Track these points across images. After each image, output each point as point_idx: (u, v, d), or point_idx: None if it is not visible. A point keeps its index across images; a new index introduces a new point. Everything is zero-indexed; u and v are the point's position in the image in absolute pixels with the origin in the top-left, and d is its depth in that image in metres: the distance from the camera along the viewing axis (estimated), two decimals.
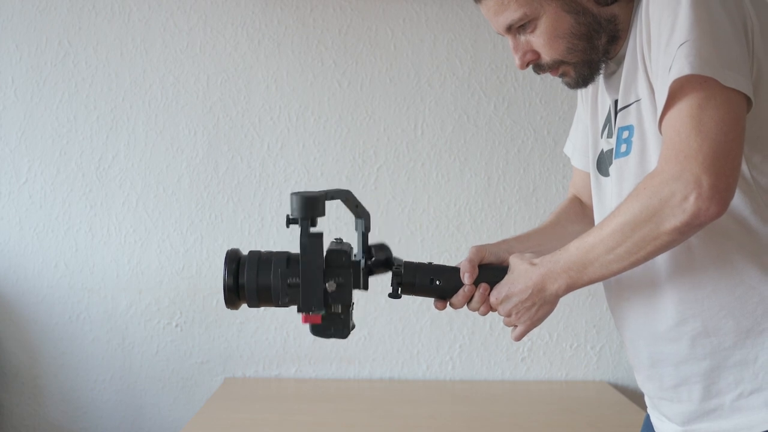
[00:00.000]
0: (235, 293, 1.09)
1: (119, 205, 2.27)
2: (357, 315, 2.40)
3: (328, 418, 1.97)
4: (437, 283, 1.16)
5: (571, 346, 2.29)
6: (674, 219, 1.03)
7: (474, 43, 2.27)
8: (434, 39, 2.25)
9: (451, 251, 2.25)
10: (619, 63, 1.19)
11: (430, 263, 1.18)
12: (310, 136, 2.26)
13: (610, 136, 1.23)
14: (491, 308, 1.17)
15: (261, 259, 1.10)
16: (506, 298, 1.16)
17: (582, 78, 1.19)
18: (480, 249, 1.21)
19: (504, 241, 1.28)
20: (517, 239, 1.32)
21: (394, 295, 1.16)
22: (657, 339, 1.16)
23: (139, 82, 2.26)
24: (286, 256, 1.11)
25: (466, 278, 1.16)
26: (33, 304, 2.28)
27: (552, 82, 2.25)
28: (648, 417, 1.29)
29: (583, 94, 1.40)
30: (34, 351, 2.30)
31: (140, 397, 2.30)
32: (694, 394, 1.14)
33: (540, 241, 1.35)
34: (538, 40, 1.15)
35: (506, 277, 1.17)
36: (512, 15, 1.13)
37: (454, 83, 2.25)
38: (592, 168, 1.30)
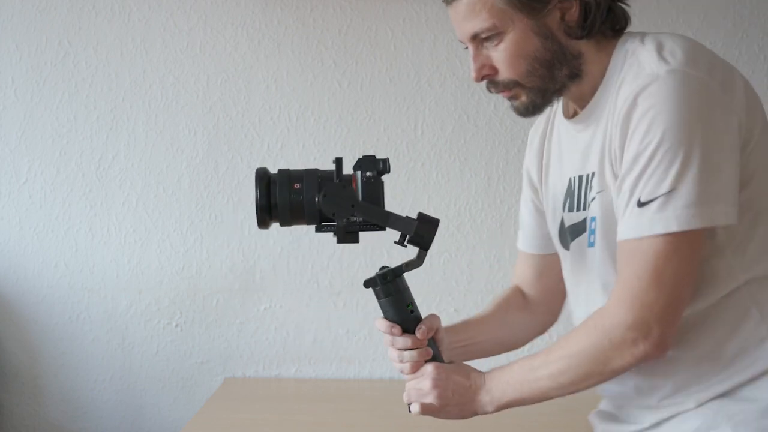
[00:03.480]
0: (267, 212, 1.11)
1: (119, 205, 2.27)
2: (357, 315, 2.42)
3: (328, 418, 1.97)
4: (410, 309, 1.17)
5: None
6: (621, 361, 1.09)
7: None
8: (434, 39, 2.25)
9: (451, 251, 2.25)
10: (585, 126, 1.17)
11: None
12: (310, 136, 2.26)
13: (572, 209, 1.22)
14: (414, 372, 1.18)
15: (291, 177, 1.12)
16: (444, 376, 1.16)
17: (532, 105, 1.14)
18: (437, 321, 1.21)
19: (447, 329, 1.27)
20: (453, 330, 1.29)
21: (380, 279, 1.16)
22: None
23: (139, 82, 2.26)
24: (317, 174, 1.12)
25: (420, 333, 1.16)
26: (33, 304, 2.28)
27: None
28: None
29: (533, 171, 1.35)
30: (34, 351, 2.30)
31: (140, 397, 2.30)
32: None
33: (476, 332, 1.34)
34: (499, 55, 1.11)
35: (451, 365, 1.19)
36: (481, 24, 1.09)
37: (454, 83, 2.25)
38: (556, 242, 1.29)
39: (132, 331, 2.29)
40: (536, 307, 1.40)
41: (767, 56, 2.25)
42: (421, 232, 1.13)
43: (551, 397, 1.17)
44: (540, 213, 1.35)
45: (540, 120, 1.33)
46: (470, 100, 2.24)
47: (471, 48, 1.13)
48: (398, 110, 2.26)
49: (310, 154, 2.25)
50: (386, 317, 1.16)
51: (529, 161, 1.36)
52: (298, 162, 2.24)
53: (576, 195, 1.20)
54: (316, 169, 1.12)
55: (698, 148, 1.02)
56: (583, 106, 1.17)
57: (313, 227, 1.14)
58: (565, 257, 1.27)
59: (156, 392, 2.30)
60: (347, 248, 2.23)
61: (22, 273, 2.28)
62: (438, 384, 1.15)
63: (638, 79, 1.05)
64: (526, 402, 1.18)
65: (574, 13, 1.11)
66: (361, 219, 1.10)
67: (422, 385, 1.16)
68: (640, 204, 1.04)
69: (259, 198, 1.10)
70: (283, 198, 1.10)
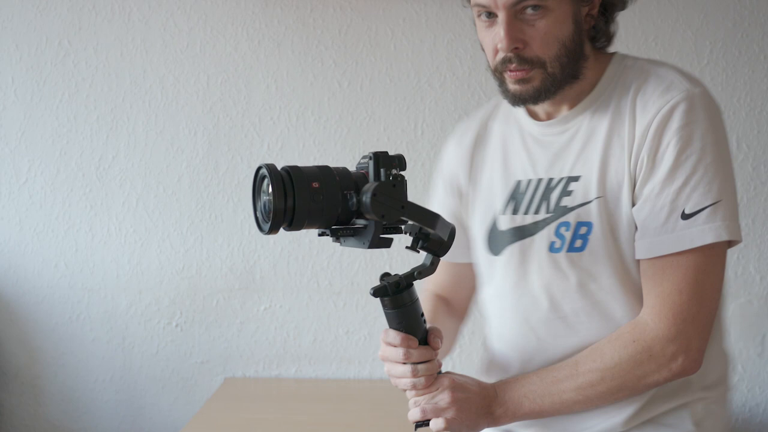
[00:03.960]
0: (286, 216, 0.95)
1: (119, 205, 2.27)
2: (357, 315, 2.42)
3: (328, 418, 1.97)
4: (423, 319, 1.07)
5: None
6: (659, 375, 1.09)
7: (474, 43, 2.27)
8: (434, 39, 2.25)
9: None
10: (563, 130, 1.17)
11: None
12: (310, 136, 2.26)
13: (517, 212, 1.20)
14: (428, 386, 1.08)
15: (308, 175, 0.98)
16: (461, 388, 1.09)
17: (542, 91, 1.13)
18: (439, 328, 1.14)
19: None
20: None
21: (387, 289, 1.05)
22: None
23: (139, 82, 2.26)
24: (333, 171, 1.01)
25: (435, 343, 1.07)
26: (33, 304, 2.28)
27: None
28: None
29: (461, 176, 1.32)
30: (34, 351, 2.30)
31: (140, 397, 2.30)
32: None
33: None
34: (537, 31, 1.09)
35: (461, 376, 1.12)
36: None
37: (454, 83, 2.25)
38: (480, 247, 1.26)
39: (132, 331, 2.29)
40: (458, 313, 1.39)
41: (767, 56, 2.25)
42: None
43: (573, 411, 1.13)
44: (457, 220, 1.29)
45: (467, 126, 1.32)
46: (470, 100, 2.24)
47: (504, 16, 1.08)
48: (398, 110, 2.26)
49: (310, 154, 2.25)
50: (397, 328, 1.05)
51: (456, 166, 1.31)
52: (298, 162, 2.24)
53: (532, 197, 1.19)
54: (328, 166, 1.01)
55: (729, 164, 1.10)
56: (571, 106, 1.18)
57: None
58: (492, 263, 1.23)
59: (156, 392, 2.30)
60: (347, 248, 2.23)
61: (22, 273, 2.28)
62: (457, 397, 1.07)
63: (670, 92, 1.10)
64: (544, 415, 1.13)
65: (595, 12, 1.14)
66: (387, 222, 0.98)
67: (440, 399, 1.07)
68: (685, 216, 1.06)
69: (277, 200, 0.93)
70: (302, 199, 0.94)
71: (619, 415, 1.13)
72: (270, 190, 0.95)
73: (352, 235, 1.00)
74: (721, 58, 2.25)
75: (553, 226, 1.16)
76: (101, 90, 2.26)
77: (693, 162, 1.07)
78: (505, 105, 1.24)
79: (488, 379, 1.20)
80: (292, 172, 0.96)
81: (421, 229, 0.98)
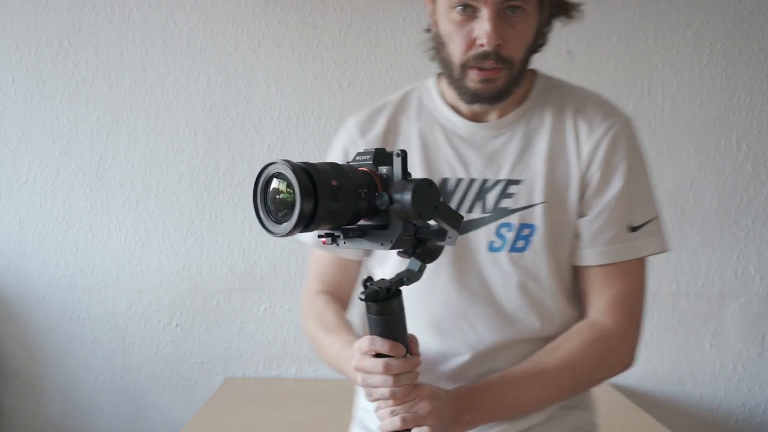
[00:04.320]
0: (311, 219, 0.87)
1: (119, 205, 2.27)
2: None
3: (328, 418, 1.97)
4: (402, 328, 1.01)
5: None
6: (613, 371, 1.20)
7: None
8: None
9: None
10: (499, 133, 1.21)
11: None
12: (310, 136, 2.26)
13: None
14: (406, 396, 1.03)
15: (325, 172, 0.89)
16: (437, 397, 1.06)
17: (503, 91, 1.17)
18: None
19: None
20: None
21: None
22: None
23: (139, 82, 2.26)
24: (345, 168, 0.92)
25: (416, 350, 1.03)
26: (33, 304, 2.28)
27: None
28: None
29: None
30: (34, 351, 2.29)
31: (140, 397, 2.30)
32: None
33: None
34: (514, 32, 1.13)
35: (433, 385, 1.08)
36: None
37: None
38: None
39: (132, 331, 2.29)
40: (346, 310, 1.37)
41: (767, 56, 2.25)
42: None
43: (538, 410, 1.18)
44: None
45: (370, 119, 1.29)
46: None
47: (491, 12, 1.10)
48: None
49: (311, 154, 2.25)
50: (383, 336, 1.00)
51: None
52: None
53: (464, 196, 1.20)
54: (336, 163, 0.93)
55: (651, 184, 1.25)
56: (502, 114, 1.22)
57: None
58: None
59: (156, 392, 2.30)
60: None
61: (22, 273, 2.28)
62: (435, 405, 1.05)
63: (611, 117, 1.22)
64: (511, 416, 1.17)
65: (550, 27, 1.22)
66: (418, 222, 0.94)
67: (419, 408, 1.04)
68: (633, 228, 1.18)
69: (304, 201, 0.84)
70: (324, 199, 0.86)
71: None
72: (286, 188, 0.87)
73: (361, 236, 0.94)
74: (721, 58, 2.25)
75: (492, 226, 1.19)
76: (101, 90, 2.26)
77: (638, 181, 1.20)
78: (415, 100, 1.27)
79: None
80: (310, 169, 0.87)
81: (416, 233, 0.95)
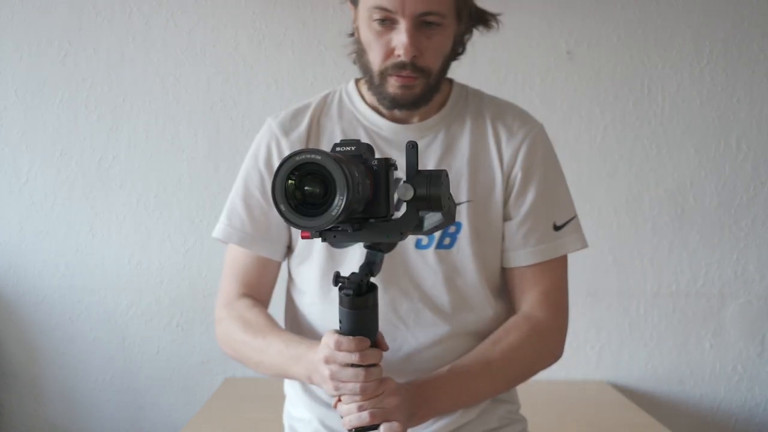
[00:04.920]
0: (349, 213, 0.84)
1: (120, 205, 2.27)
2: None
3: None
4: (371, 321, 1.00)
5: (571, 346, 2.28)
6: (547, 361, 1.27)
7: (473, 44, 2.27)
8: None
9: None
10: (421, 135, 1.25)
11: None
12: None
13: None
14: (375, 391, 1.02)
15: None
16: (402, 391, 1.07)
17: (420, 98, 1.21)
18: None
19: None
20: None
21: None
22: None
23: (139, 82, 2.26)
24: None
25: (384, 344, 1.04)
26: (33, 304, 2.28)
27: (552, 82, 2.25)
28: None
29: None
30: (34, 351, 2.30)
31: (140, 397, 2.30)
32: None
33: None
34: (431, 44, 1.17)
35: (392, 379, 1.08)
36: (438, 6, 1.15)
37: None
38: (306, 242, 1.26)
39: (132, 330, 2.29)
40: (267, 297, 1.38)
41: (767, 56, 2.25)
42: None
43: (482, 401, 1.24)
44: (275, 219, 1.28)
45: (293, 120, 1.31)
46: None
47: (408, 25, 1.15)
48: None
49: None
50: (353, 329, 0.99)
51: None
52: None
53: None
54: (339, 154, 0.90)
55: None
56: (422, 118, 1.27)
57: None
58: (343, 253, 1.24)
59: (156, 392, 2.30)
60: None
61: (22, 273, 2.28)
62: (401, 400, 1.05)
63: (528, 123, 1.29)
64: (459, 408, 1.21)
65: (469, 37, 1.29)
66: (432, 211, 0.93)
67: (387, 403, 1.04)
68: (557, 228, 1.25)
69: (351, 195, 0.81)
70: (353, 192, 0.82)
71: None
72: (321, 180, 0.82)
73: (359, 229, 0.90)
74: (721, 58, 2.25)
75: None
76: (101, 90, 2.26)
77: (557, 182, 1.28)
78: (336, 103, 1.31)
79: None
80: (337, 159, 0.83)
81: (420, 222, 0.94)
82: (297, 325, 1.33)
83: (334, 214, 0.81)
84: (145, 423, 2.31)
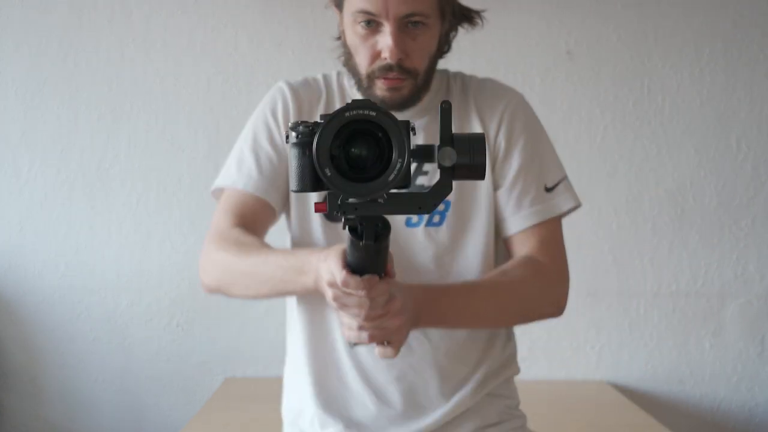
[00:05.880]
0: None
1: (120, 205, 2.27)
2: None
3: None
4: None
5: (571, 346, 2.29)
6: (549, 309, 1.26)
7: (473, 44, 2.27)
8: None
9: None
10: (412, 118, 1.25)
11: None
12: None
13: None
14: (377, 316, 1.00)
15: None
16: (406, 309, 1.04)
17: (408, 99, 1.22)
18: None
19: None
20: None
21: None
22: None
23: (139, 82, 2.26)
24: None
25: (394, 271, 1.01)
26: (33, 304, 2.28)
27: (552, 82, 2.25)
28: None
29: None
30: (34, 351, 2.30)
31: (140, 397, 2.30)
32: None
33: None
34: (416, 45, 1.18)
35: (400, 286, 1.05)
36: (422, 8, 1.16)
37: None
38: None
39: (132, 331, 2.29)
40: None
41: (767, 56, 2.26)
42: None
43: (484, 326, 1.25)
44: (279, 171, 1.29)
45: (317, 90, 1.33)
46: None
47: (393, 27, 1.15)
48: None
49: None
50: (361, 269, 0.93)
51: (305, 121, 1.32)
52: None
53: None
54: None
55: None
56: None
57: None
58: (334, 229, 1.25)
59: (156, 392, 2.30)
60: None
61: (22, 273, 2.28)
62: (404, 320, 1.03)
63: (508, 93, 1.30)
64: (458, 326, 1.22)
65: (455, 34, 1.29)
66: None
67: (390, 324, 1.02)
68: (548, 189, 1.26)
69: (407, 157, 0.74)
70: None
71: (463, 390, 1.25)
72: (376, 140, 0.75)
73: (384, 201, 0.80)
74: (721, 58, 2.25)
75: None
76: (102, 90, 2.26)
77: (542, 144, 1.29)
78: (336, 85, 1.33)
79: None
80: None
81: None
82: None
83: (391, 179, 0.73)
84: (145, 423, 2.31)
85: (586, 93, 2.26)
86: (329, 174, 0.73)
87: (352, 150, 0.74)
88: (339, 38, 1.29)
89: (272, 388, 2.26)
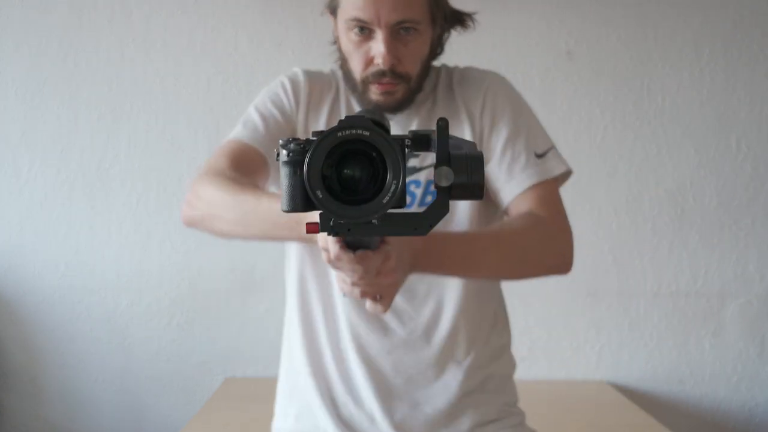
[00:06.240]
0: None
1: (120, 205, 2.27)
2: None
3: None
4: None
5: (571, 345, 2.29)
6: (555, 260, 1.23)
7: (473, 44, 2.27)
8: None
9: None
10: (407, 119, 1.28)
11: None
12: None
13: None
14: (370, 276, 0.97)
15: None
16: (398, 267, 0.98)
17: (402, 102, 1.24)
18: None
19: None
20: None
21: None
22: None
23: (139, 82, 2.26)
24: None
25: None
26: (33, 304, 2.28)
27: (551, 82, 2.25)
28: None
29: (303, 111, 1.35)
30: (34, 351, 2.30)
31: (140, 397, 2.30)
32: None
33: None
34: (408, 51, 1.20)
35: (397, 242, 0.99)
36: (413, 14, 1.18)
37: None
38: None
39: (132, 330, 2.29)
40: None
41: (767, 56, 2.26)
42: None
43: (485, 276, 1.25)
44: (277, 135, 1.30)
45: (330, 83, 1.36)
46: None
47: (385, 34, 1.17)
48: None
49: None
50: (356, 244, 0.92)
51: (311, 107, 1.34)
52: None
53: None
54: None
55: None
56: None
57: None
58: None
59: (156, 392, 2.30)
60: None
61: (22, 273, 2.28)
62: (397, 278, 0.99)
63: (487, 75, 1.33)
64: (455, 275, 1.21)
65: (447, 37, 1.31)
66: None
67: (382, 281, 0.98)
68: (538, 156, 1.27)
69: (401, 177, 0.69)
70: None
71: (454, 381, 1.27)
72: (370, 161, 0.72)
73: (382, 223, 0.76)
74: (721, 58, 2.25)
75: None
76: (102, 90, 2.26)
77: (527, 115, 1.30)
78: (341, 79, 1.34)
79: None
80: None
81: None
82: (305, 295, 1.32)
83: (385, 201, 0.69)
84: (145, 423, 2.31)
85: (586, 93, 2.26)
86: (321, 196, 0.70)
87: (345, 171, 0.71)
88: (334, 43, 1.32)
89: (272, 388, 2.26)
